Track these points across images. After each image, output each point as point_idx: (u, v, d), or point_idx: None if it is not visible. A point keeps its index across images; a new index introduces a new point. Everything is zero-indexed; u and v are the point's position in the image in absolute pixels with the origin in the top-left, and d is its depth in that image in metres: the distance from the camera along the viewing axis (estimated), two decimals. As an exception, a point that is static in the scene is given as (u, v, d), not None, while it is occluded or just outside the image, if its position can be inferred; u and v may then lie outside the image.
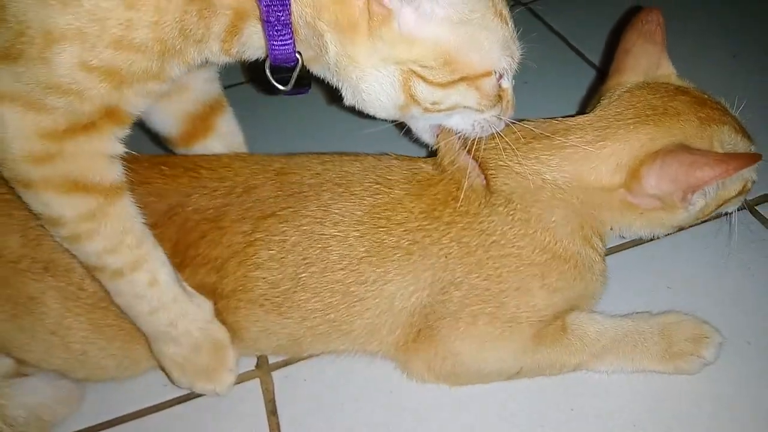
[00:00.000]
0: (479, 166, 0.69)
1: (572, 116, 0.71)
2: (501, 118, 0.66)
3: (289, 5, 0.56)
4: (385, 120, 0.66)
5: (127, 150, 0.62)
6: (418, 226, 0.67)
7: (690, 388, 0.68)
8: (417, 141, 0.74)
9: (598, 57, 1.17)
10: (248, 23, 0.58)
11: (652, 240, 0.78)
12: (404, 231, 0.67)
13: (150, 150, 0.80)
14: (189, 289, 0.68)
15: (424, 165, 0.72)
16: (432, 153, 0.74)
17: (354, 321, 0.68)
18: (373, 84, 0.59)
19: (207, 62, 0.62)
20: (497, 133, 0.67)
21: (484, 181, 0.69)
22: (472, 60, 0.59)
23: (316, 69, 0.63)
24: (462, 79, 0.59)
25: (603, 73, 1.07)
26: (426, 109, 0.62)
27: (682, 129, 0.66)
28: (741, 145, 0.69)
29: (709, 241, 0.83)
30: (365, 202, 0.68)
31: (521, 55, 0.64)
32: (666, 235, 0.75)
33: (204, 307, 0.68)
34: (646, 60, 0.74)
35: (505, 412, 0.69)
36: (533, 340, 0.67)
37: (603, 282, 0.71)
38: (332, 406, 0.71)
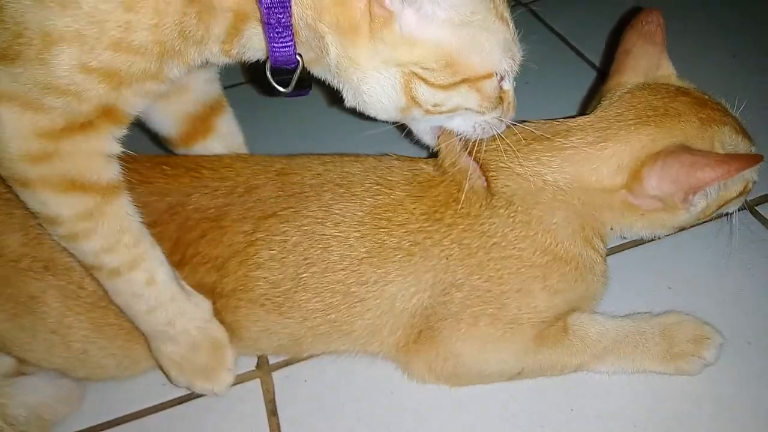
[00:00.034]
0: (480, 167, 0.69)
1: (573, 117, 0.71)
2: (502, 120, 0.66)
3: (290, 7, 0.55)
4: (386, 121, 0.66)
5: (126, 150, 0.62)
6: (419, 227, 0.67)
7: (690, 389, 0.69)
8: (418, 142, 0.74)
9: (598, 57, 1.17)
10: (248, 25, 0.58)
11: (652, 240, 0.78)
12: (405, 232, 0.67)
13: (149, 150, 0.80)
14: (187, 288, 0.68)
15: (425, 166, 0.72)
16: (433, 154, 0.74)
17: (355, 321, 0.68)
18: (374, 86, 0.59)
19: (207, 63, 0.62)
20: (498, 134, 0.67)
21: (485, 183, 0.69)
22: (473, 62, 0.59)
23: (316, 70, 0.63)
24: (463, 81, 0.59)
25: (603, 73, 1.08)
26: (427, 111, 0.62)
27: (683, 130, 0.66)
28: (742, 146, 0.69)
29: (709, 242, 0.84)
30: (366, 202, 0.68)
31: (522, 56, 0.63)
32: (666, 236, 0.75)
33: (202, 306, 0.68)
34: (647, 61, 0.74)
35: (505, 412, 0.69)
36: (535, 341, 0.67)
37: (604, 283, 0.71)
38: (333, 407, 0.71)
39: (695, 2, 1.28)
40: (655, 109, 0.67)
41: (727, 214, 0.77)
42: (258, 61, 0.62)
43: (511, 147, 0.67)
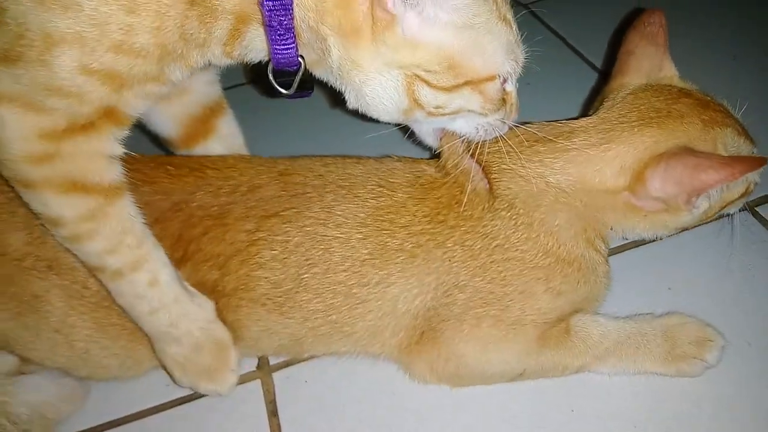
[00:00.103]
0: (482, 169, 0.69)
1: (575, 119, 0.71)
2: (505, 122, 0.66)
3: (292, 10, 0.55)
4: (389, 123, 0.66)
5: (127, 151, 0.62)
6: (421, 229, 0.67)
7: (690, 389, 0.69)
8: (420, 144, 0.74)
9: (599, 59, 1.16)
10: (250, 27, 0.58)
11: (652, 241, 0.78)
12: (408, 234, 0.67)
13: (150, 151, 0.80)
14: (191, 289, 0.68)
15: (427, 168, 0.72)
16: (435, 156, 0.74)
17: (356, 323, 0.68)
18: (376, 88, 0.59)
19: (209, 65, 0.62)
20: (501, 136, 0.67)
21: (488, 185, 0.69)
22: (475, 64, 0.59)
23: (318, 72, 0.63)
24: (466, 83, 0.59)
25: (604, 75, 1.08)
26: (430, 113, 0.61)
27: (686, 131, 0.66)
28: (744, 148, 0.69)
29: (710, 242, 0.84)
30: (368, 204, 0.68)
31: (525, 58, 0.63)
32: (667, 236, 0.75)
33: (206, 307, 0.68)
34: (649, 62, 0.74)
35: (506, 413, 0.69)
36: (537, 342, 0.68)
37: (607, 284, 0.71)
38: (333, 408, 0.72)
39: (695, 4, 1.28)
40: (657, 111, 0.67)
41: (728, 215, 0.77)
42: (260, 62, 0.62)
43: (513, 149, 0.67)
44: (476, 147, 0.67)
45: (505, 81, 0.63)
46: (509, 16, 0.61)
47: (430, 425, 0.69)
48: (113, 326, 0.68)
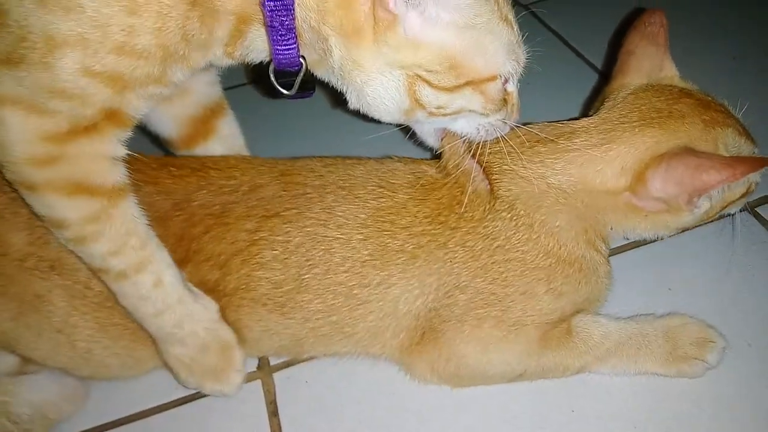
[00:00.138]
0: (483, 170, 0.69)
1: (576, 119, 0.71)
2: (506, 122, 0.66)
3: (293, 10, 0.55)
4: (390, 123, 0.66)
5: (129, 152, 0.62)
6: (422, 230, 0.67)
7: (690, 390, 0.69)
8: (421, 144, 0.74)
9: (599, 59, 1.16)
10: (252, 27, 0.58)
11: (653, 241, 0.78)
12: (409, 235, 0.67)
13: (150, 151, 0.80)
14: (194, 289, 0.68)
15: (427, 168, 0.72)
16: (436, 156, 0.74)
17: (357, 324, 0.68)
18: (378, 88, 0.59)
19: (210, 65, 0.62)
20: (502, 137, 0.67)
21: (488, 186, 0.69)
22: (477, 64, 0.59)
23: (320, 72, 0.63)
24: (467, 84, 0.59)
25: (604, 75, 1.08)
26: (431, 113, 0.62)
27: (687, 132, 0.66)
28: (745, 148, 0.69)
29: (710, 243, 0.84)
30: (369, 205, 0.68)
31: (526, 59, 0.63)
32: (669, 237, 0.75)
33: (210, 307, 0.68)
34: (649, 62, 0.74)
35: (506, 414, 0.69)
36: (538, 342, 0.68)
37: (608, 284, 0.71)
38: (334, 408, 0.72)
39: (695, 4, 1.28)
40: (658, 111, 0.67)
41: (729, 215, 0.77)
42: (261, 62, 0.62)
43: (514, 149, 0.67)
44: (477, 147, 0.68)
45: (506, 81, 0.63)
46: (511, 16, 0.61)
47: (430, 426, 0.69)
48: (115, 326, 0.69)
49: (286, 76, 0.61)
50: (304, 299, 0.67)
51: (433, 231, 0.67)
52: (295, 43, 0.57)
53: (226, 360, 0.70)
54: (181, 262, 0.67)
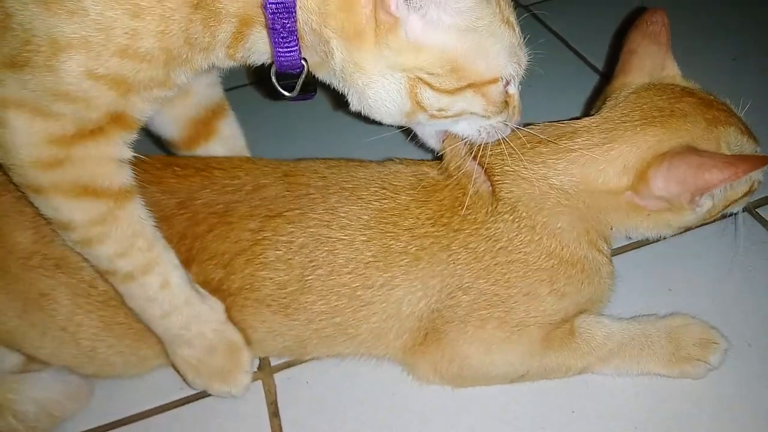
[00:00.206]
0: (485, 171, 0.69)
1: (578, 119, 0.71)
2: (507, 124, 0.66)
3: (295, 12, 0.55)
4: (391, 126, 0.66)
5: (134, 153, 0.62)
6: (425, 232, 0.67)
7: (691, 390, 0.69)
8: (423, 146, 0.74)
9: (600, 61, 1.16)
10: (253, 29, 0.58)
11: (655, 242, 0.78)
12: (412, 237, 0.67)
13: (151, 152, 0.80)
14: (201, 290, 0.68)
15: (429, 170, 0.72)
16: (437, 157, 0.74)
17: (360, 325, 0.68)
18: (379, 91, 0.59)
19: (212, 67, 0.62)
20: (503, 138, 0.67)
21: (490, 188, 0.69)
22: (478, 67, 0.59)
23: (321, 75, 0.63)
24: (469, 86, 0.59)
25: (606, 76, 1.08)
26: (432, 116, 0.62)
27: (689, 131, 0.66)
28: (747, 147, 0.69)
29: (711, 243, 0.84)
30: (372, 206, 0.68)
31: (527, 61, 0.63)
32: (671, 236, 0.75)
33: (217, 308, 0.68)
34: (651, 61, 0.74)
35: (507, 414, 0.69)
36: (541, 343, 0.68)
37: (611, 284, 0.71)
38: (334, 409, 0.72)
39: (696, 4, 1.28)
40: (660, 110, 0.67)
41: (731, 214, 0.77)
42: (263, 64, 0.62)
43: (516, 151, 0.67)
44: (479, 149, 0.68)
45: (507, 83, 0.63)
46: (512, 18, 0.61)
47: (431, 426, 0.69)
48: (119, 325, 0.69)
49: (288, 78, 0.61)
50: (307, 300, 0.68)
51: (435, 233, 0.67)
52: (296, 45, 0.58)
53: (233, 361, 0.70)
54: (186, 260, 0.67)
